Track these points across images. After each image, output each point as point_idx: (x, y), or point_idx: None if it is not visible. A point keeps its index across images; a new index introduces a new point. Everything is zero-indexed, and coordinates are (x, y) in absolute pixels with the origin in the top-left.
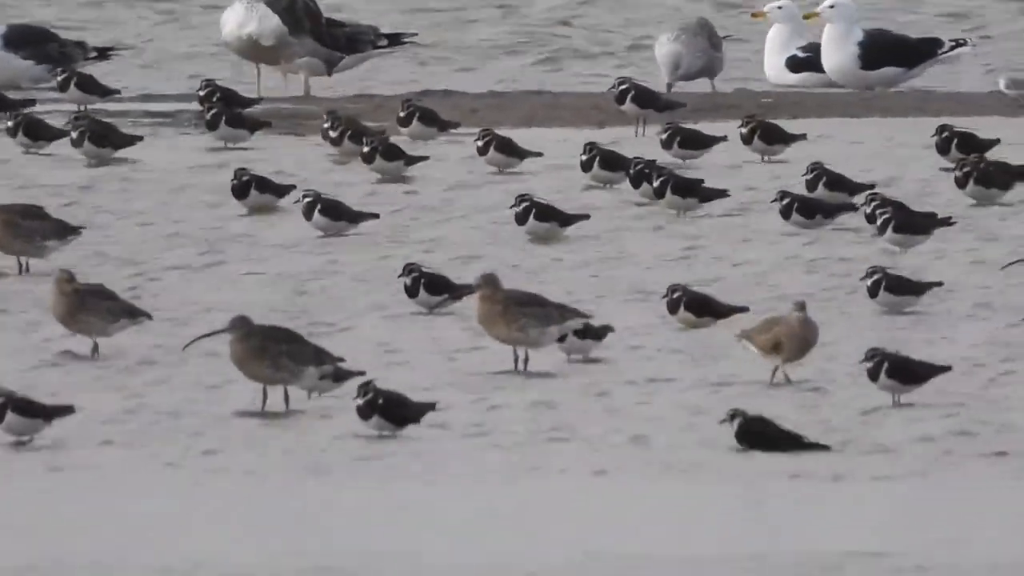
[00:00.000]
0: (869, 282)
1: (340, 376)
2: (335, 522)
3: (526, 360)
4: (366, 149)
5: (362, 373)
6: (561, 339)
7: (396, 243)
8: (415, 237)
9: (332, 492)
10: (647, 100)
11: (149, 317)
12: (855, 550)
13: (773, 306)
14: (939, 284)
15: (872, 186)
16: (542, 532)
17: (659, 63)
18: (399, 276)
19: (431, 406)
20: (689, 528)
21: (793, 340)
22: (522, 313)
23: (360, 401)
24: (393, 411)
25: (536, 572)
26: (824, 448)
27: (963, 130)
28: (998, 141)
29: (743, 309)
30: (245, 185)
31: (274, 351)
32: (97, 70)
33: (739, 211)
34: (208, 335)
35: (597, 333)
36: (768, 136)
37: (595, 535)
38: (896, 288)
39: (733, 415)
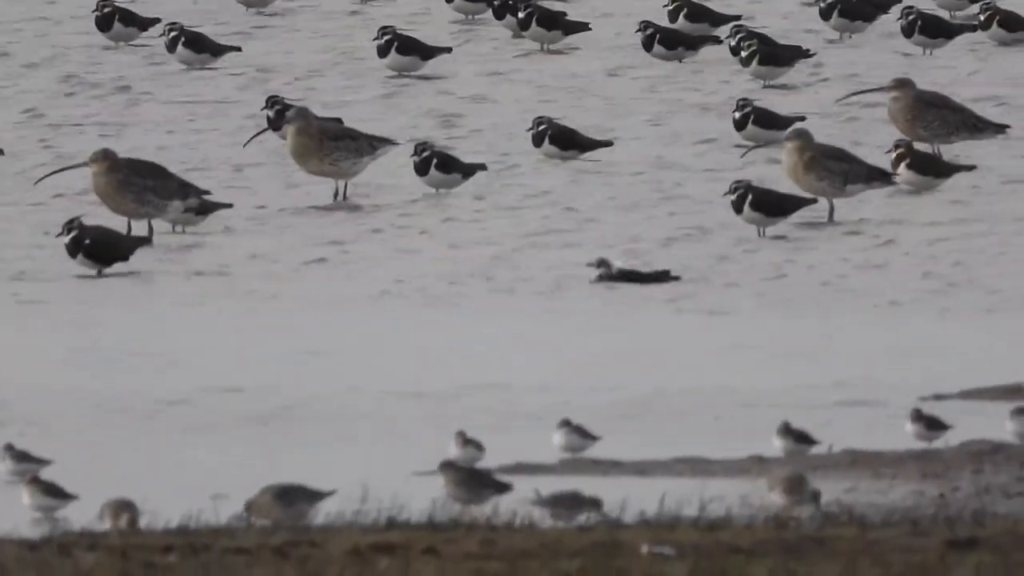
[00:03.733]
0: (738, 115)
1: (205, 209)
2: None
3: (345, 191)
4: None
5: (229, 205)
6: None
7: (261, 78)
8: (279, 69)
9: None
10: None
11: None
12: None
13: (631, 135)
14: (802, 118)
15: (737, 18)
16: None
17: None
18: (262, 109)
19: (143, 240)
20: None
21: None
22: (335, 146)
23: (66, 239)
24: (99, 250)
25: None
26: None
27: None
28: None
29: (607, 143)
30: (108, 17)
31: (139, 185)
32: None
33: (606, 46)
34: (67, 168)
35: (466, 169)
36: None
37: (487, 364)
38: (764, 122)
39: (599, 263)
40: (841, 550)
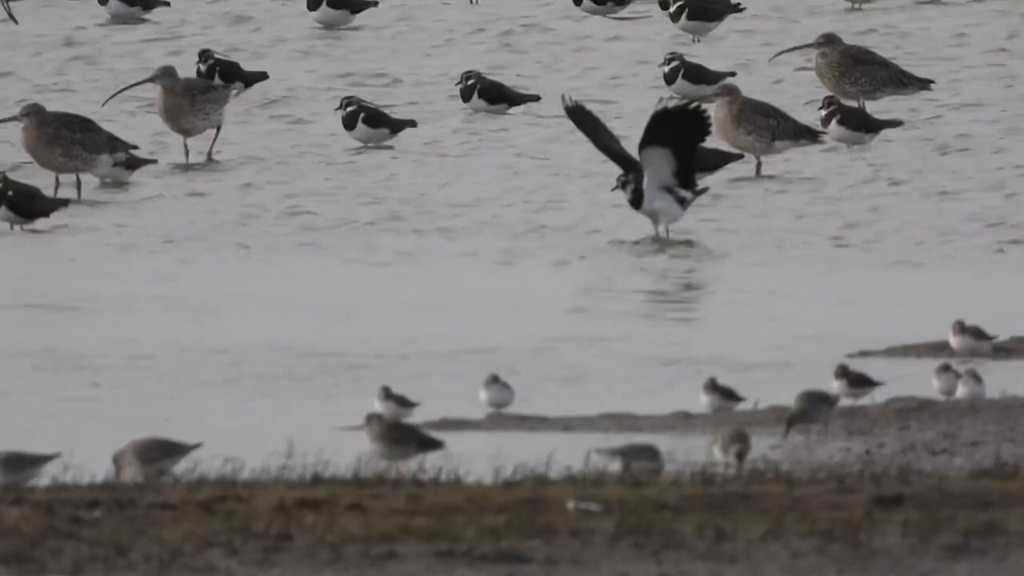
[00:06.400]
0: (667, 69)
1: (133, 164)
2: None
3: (212, 145)
4: None
5: (154, 162)
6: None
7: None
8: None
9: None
10: None
11: None
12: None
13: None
14: (732, 74)
15: None
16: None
17: None
18: (196, 63)
19: (64, 202)
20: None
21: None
22: (205, 100)
23: None
24: (22, 203)
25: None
26: None
27: None
28: None
29: (535, 98)
30: None
31: (67, 139)
32: None
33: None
34: (1, 121)
35: (394, 125)
36: None
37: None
38: (693, 77)
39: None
40: (768, 506)
